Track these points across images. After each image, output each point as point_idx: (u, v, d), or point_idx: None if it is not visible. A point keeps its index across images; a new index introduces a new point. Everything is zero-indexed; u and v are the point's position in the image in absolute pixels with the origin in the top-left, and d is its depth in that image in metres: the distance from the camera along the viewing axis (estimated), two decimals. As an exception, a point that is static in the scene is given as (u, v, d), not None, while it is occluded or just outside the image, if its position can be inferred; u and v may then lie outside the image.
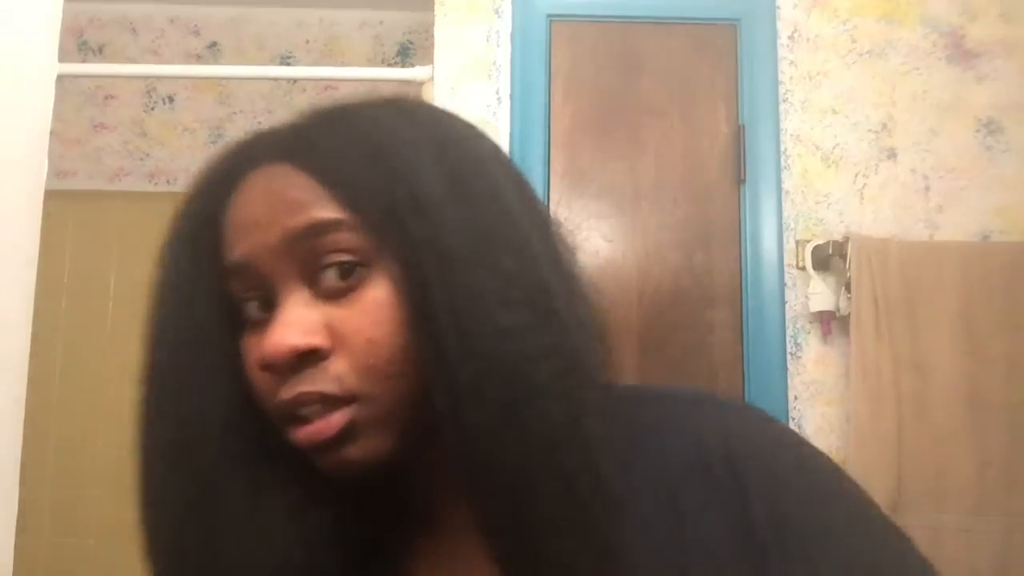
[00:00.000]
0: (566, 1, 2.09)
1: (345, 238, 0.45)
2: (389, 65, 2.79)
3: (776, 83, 2.05)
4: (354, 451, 0.44)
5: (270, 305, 0.46)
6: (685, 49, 2.07)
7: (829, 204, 2.02)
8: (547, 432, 0.42)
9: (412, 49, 2.80)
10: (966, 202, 2.02)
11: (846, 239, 1.94)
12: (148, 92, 2.79)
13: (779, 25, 2.08)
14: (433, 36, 2.07)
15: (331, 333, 0.45)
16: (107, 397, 2.32)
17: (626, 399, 0.50)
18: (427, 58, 2.12)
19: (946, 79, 2.06)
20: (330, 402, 0.44)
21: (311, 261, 0.45)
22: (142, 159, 2.79)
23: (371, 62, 2.78)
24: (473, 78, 2.04)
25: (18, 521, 0.87)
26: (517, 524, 0.42)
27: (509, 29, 2.05)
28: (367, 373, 0.44)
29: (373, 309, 0.44)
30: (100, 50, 2.81)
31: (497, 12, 2.06)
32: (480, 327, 0.42)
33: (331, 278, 0.45)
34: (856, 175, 2.03)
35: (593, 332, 0.48)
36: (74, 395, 2.56)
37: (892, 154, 2.04)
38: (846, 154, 2.04)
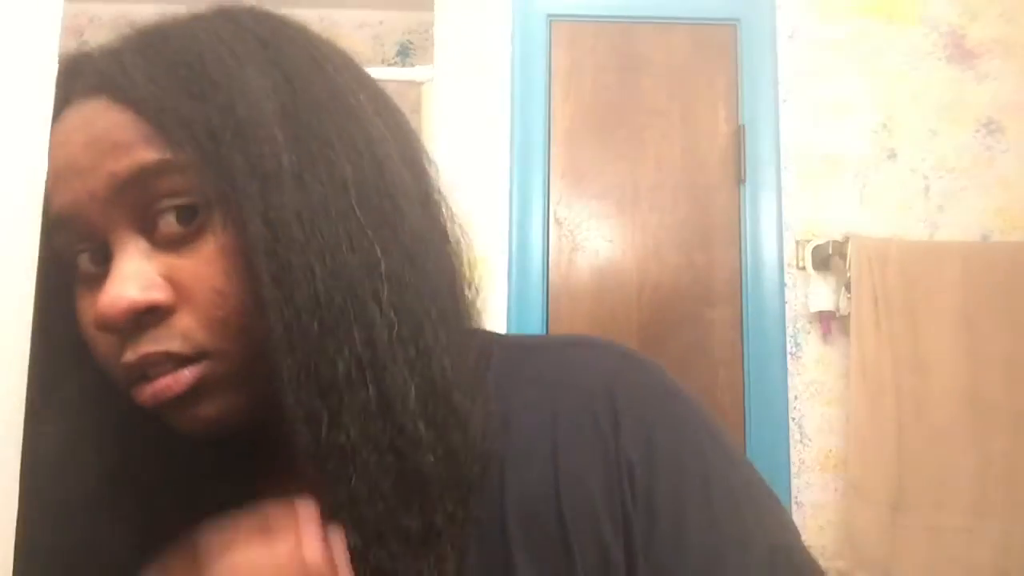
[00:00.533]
0: (566, 1, 2.09)
1: (179, 180, 0.40)
2: (389, 65, 2.78)
3: (776, 83, 2.05)
4: (207, 409, 0.40)
5: (104, 258, 0.41)
6: (685, 49, 2.07)
7: (829, 204, 2.02)
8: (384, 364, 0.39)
9: (412, 49, 2.80)
10: (966, 202, 2.02)
11: (846, 239, 1.94)
12: (148, 92, 2.78)
13: (779, 25, 2.08)
14: (433, 36, 2.07)
15: (174, 285, 0.40)
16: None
17: (504, 345, 0.48)
18: (427, 58, 2.11)
19: (946, 79, 2.06)
20: (178, 361, 0.39)
21: (144, 206, 0.40)
22: (142, 159, 2.78)
23: (371, 62, 2.77)
24: (473, 78, 2.04)
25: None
26: (340, 461, 0.38)
27: (509, 29, 2.05)
28: (216, 327, 0.39)
29: (218, 257, 0.40)
30: (100, 50, 2.81)
31: (497, 12, 2.06)
32: (322, 268, 0.38)
33: (169, 224, 0.40)
34: (856, 175, 2.03)
35: (444, 271, 0.44)
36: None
37: (892, 154, 2.04)
38: (846, 154, 2.03)
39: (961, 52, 2.07)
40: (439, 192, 0.47)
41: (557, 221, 1.99)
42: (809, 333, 1.97)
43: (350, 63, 0.47)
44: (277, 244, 0.38)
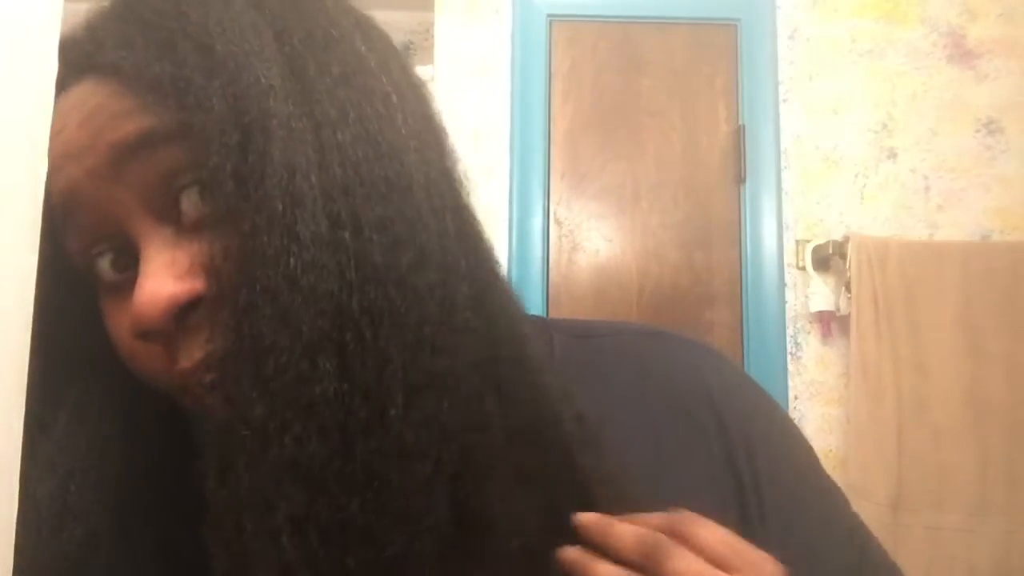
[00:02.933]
0: (566, 1, 2.09)
1: (190, 150, 0.35)
2: (389, 65, 2.78)
3: (776, 83, 2.05)
4: None
5: (128, 263, 0.37)
6: (685, 49, 2.07)
7: (829, 204, 2.02)
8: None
9: (412, 49, 2.80)
10: (966, 202, 2.02)
11: (846, 239, 1.94)
12: (148, 92, 2.79)
13: (779, 25, 2.07)
14: (433, 36, 2.07)
15: (213, 272, 0.34)
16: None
17: (561, 330, 0.46)
18: (427, 58, 2.11)
19: (946, 79, 2.06)
20: None
21: (158, 186, 0.36)
22: (142, 159, 2.79)
23: (371, 62, 2.76)
24: (473, 78, 2.04)
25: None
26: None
27: (509, 29, 2.05)
28: None
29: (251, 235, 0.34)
30: (100, 50, 2.81)
31: (497, 12, 2.06)
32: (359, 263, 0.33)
33: (193, 204, 0.35)
34: (856, 175, 2.03)
35: (480, 262, 0.40)
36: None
37: (892, 154, 2.03)
38: (846, 154, 2.03)
39: (961, 52, 2.07)
40: (465, 198, 0.44)
41: (557, 221, 1.99)
42: (809, 333, 1.97)
43: (364, 24, 0.42)
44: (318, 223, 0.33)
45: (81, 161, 0.36)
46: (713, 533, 0.35)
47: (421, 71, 2.20)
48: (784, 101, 2.05)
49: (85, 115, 0.36)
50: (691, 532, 0.35)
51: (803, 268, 1.97)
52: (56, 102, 0.36)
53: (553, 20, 2.07)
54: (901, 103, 2.05)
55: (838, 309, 1.94)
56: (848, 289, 1.91)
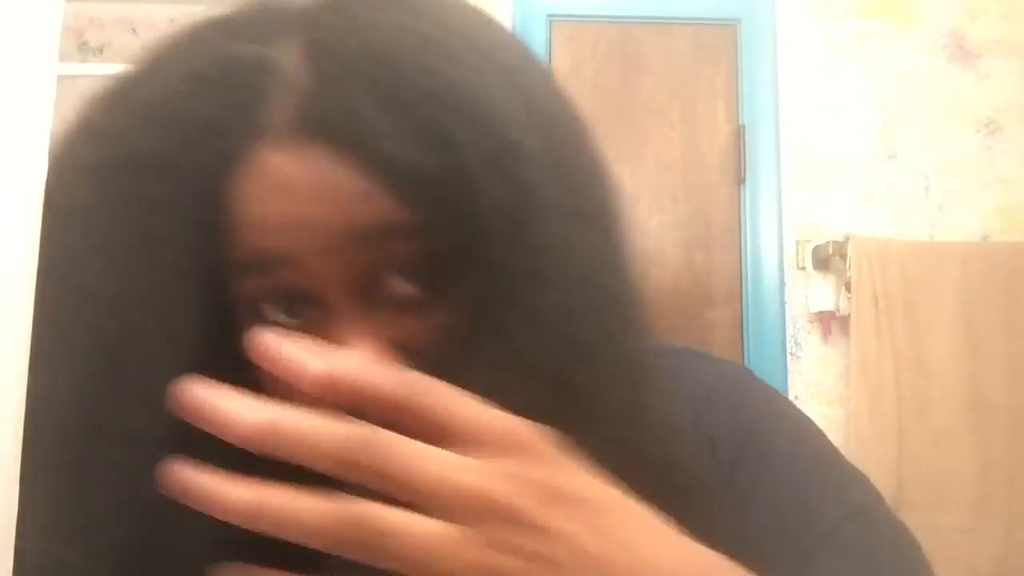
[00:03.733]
0: (566, 1, 2.09)
1: (423, 242, 0.34)
2: (389, 65, 2.78)
3: (776, 83, 2.05)
4: None
5: (303, 310, 0.36)
6: (685, 49, 2.07)
7: (829, 204, 2.02)
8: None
9: (412, 49, 2.80)
10: (966, 202, 2.02)
11: (846, 239, 1.94)
12: (148, 92, 2.79)
13: (779, 25, 2.08)
14: (433, 36, 2.07)
15: (405, 351, 0.34)
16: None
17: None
18: (427, 58, 2.12)
19: (946, 79, 2.06)
20: None
21: (372, 264, 0.34)
22: (142, 159, 2.79)
23: (371, 62, 2.77)
24: (473, 78, 2.04)
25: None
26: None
27: (509, 29, 2.05)
28: None
29: (459, 324, 0.35)
30: (100, 50, 2.81)
31: (497, 12, 2.06)
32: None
33: (401, 285, 0.35)
34: (856, 175, 2.03)
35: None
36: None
37: (892, 154, 2.04)
38: (846, 154, 2.03)
39: (961, 52, 2.07)
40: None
41: (557, 221, 2.00)
42: (809, 333, 1.97)
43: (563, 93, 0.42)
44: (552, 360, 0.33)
45: (312, 233, 0.34)
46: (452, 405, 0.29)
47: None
48: (784, 101, 2.05)
49: (323, 191, 0.33)
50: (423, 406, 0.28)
51: (803, 268, 1.97)
52: (257, 150, 0.33)
53: (553, 20, 2.07)
54: (901, 103, 2.05)
55: (838, 309, 1.94)
56: (848, 289, 1.91)
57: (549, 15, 2.06)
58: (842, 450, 0.45)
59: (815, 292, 1.94)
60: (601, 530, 0.28)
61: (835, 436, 1.89)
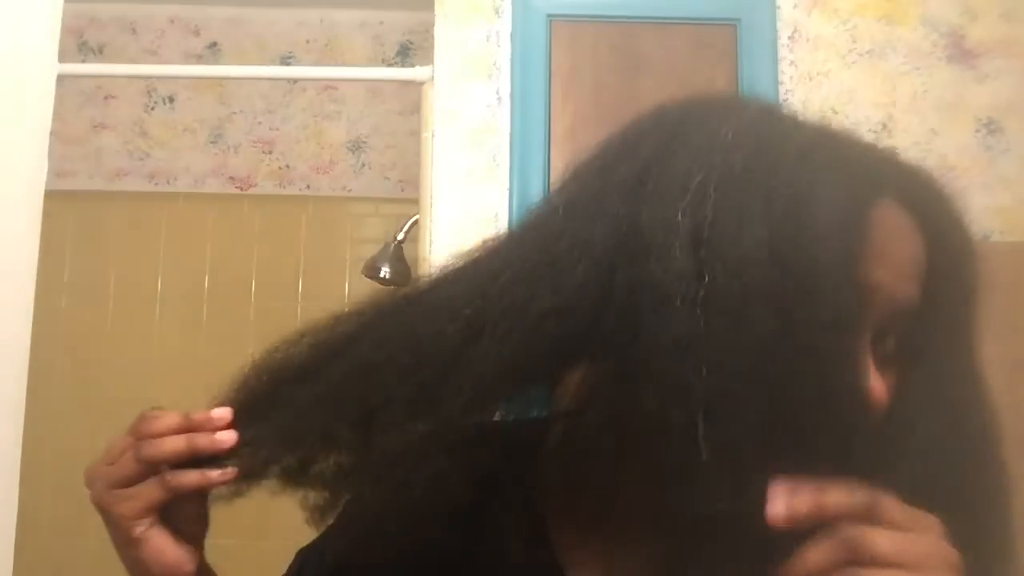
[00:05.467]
0: (566, 1, 2.09)
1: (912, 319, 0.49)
2: (389, 65, 2.78)
3: (776, 83, 2.05)
4: None
5: (895, 352, 0.51)
6: (685, 49, 2.07)
7: (829, 204, 2.02)
8: None
9: (412, 49, 2.80)
10: (966, 202, 2.01)
11: (846, 239, 1.94)
12: (148, 92, 2.79)
13: (779, 25, 2.07)
14: (433, 36, 2.07)
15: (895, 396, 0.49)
16: (107, 397, 2.32)
17: None
18: (427, 58, 2.12)
19: (946, 79, 2.06)
20: None
21: (884, 327, 0.49)
22: (142, 159, 2.79)
23: (371, 62, 2.77)
24: (473, 78, 2.04)
25: (18, 521, 0.87)
26: None
27: (509, 29, 2.05)
28: None
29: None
30: (100, 50, 2.81)
31: (497, 12, 2.06)
32: None
33: (888, 347, 0.49)
34: (856, 175, 2.03)
35: None
36: (74, 395, 2.55)
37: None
38: (846, 154, 2.03)
39: (961, 52, 2.07)
40: None
41: (557, 221, 1.99)
42: (809, 333, 1.97)
43: None
44: None
45: (901, 285, 0.50)
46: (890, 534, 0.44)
47: (421, 71, 2.20)
48: (784, 101, 2.05)
49: (907, 257, 0.52)
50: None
51: (803, 268, 1.97)
52: (885, 201, 0.50)
53: (553, 20, 2.07)
54: (901, 103, 2.05)
55: (838, 309, 1.93)
56: (848, 289, 1.91)
57: (549, 15, 2.06)
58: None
59: (815, 292, 1.94)
60: None
61: (835, 436, 1.90)
